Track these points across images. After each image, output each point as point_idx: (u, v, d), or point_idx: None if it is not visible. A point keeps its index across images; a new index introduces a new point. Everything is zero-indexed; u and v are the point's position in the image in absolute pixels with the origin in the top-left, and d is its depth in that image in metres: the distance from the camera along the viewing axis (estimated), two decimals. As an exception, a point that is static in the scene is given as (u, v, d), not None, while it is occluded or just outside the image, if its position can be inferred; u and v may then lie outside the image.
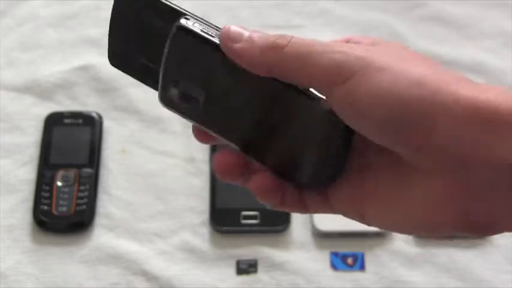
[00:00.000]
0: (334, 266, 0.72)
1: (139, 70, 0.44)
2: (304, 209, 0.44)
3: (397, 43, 0.40)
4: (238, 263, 0.72)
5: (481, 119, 0.34)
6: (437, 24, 0.90)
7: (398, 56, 0.38)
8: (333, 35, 0.86)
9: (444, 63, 0.85)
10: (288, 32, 0.40)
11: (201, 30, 0.40)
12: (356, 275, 0.72)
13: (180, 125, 0.80)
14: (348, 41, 0.42)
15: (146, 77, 0.44)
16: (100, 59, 0.85)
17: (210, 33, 0.40)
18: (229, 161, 0.43)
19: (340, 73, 0.37)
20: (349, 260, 0.73)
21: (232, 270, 0.72)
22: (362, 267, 0.72)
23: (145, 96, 0.82)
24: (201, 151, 0.78)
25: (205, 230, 0.74)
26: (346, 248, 0.73)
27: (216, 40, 0.40)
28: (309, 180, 0.43)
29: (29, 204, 0.74)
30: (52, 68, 0.84)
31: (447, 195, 0.36)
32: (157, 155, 0.79)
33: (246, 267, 0.72)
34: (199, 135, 0.45)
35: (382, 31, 0.88)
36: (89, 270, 0.71)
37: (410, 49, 0.40)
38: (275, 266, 0.72)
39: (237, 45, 0.39)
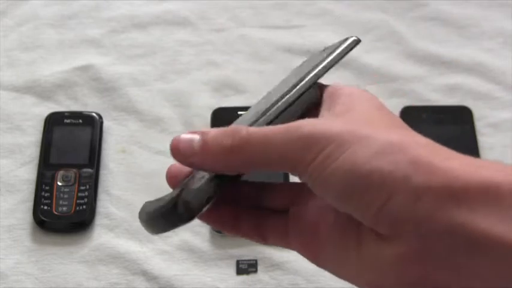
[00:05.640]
0: (334, 266, 0.72)
1: None
2: (262, 239, 0.44)
3: (364, 93, 0.39)
4: (238, 263, 0.72)
5: (440, 186, 0.34)
6: (437, 24, 0.90)
7: (365, 120, 0.38)
8: (333, 35, 0.86)
9: (444, 63, 0.85)
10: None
11: None
12: (356, 275, 0.72)
13: (180, 125, 0.80)
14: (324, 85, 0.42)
15: None
16: (100, 59, 0.85)
17: None
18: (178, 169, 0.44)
19: (309, 152, 0.37)
20: (349, 260, 0.72)
21: (232, 270, 0.72)
22: (362, 267, 0.72)
23: (145, 96, 0.83)
24: (201, 151, 0.78)
25: (205, 230, 0.74)
26: (346, 248, 0.73)
27: None
28: None
29: (29, 204, 0.74)
30: (52, 68, 0.84)
31: (401, 261, 0.35)
32: (157, 155, 0.79)
33: (246, 267, 0.72)
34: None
35: (382, 31, 0.88)
36: (89, 270, 0.71)
37: (379, 102, 0.39)
38: (275, 266, 0.72)
39: (193, 159, 0.39)
